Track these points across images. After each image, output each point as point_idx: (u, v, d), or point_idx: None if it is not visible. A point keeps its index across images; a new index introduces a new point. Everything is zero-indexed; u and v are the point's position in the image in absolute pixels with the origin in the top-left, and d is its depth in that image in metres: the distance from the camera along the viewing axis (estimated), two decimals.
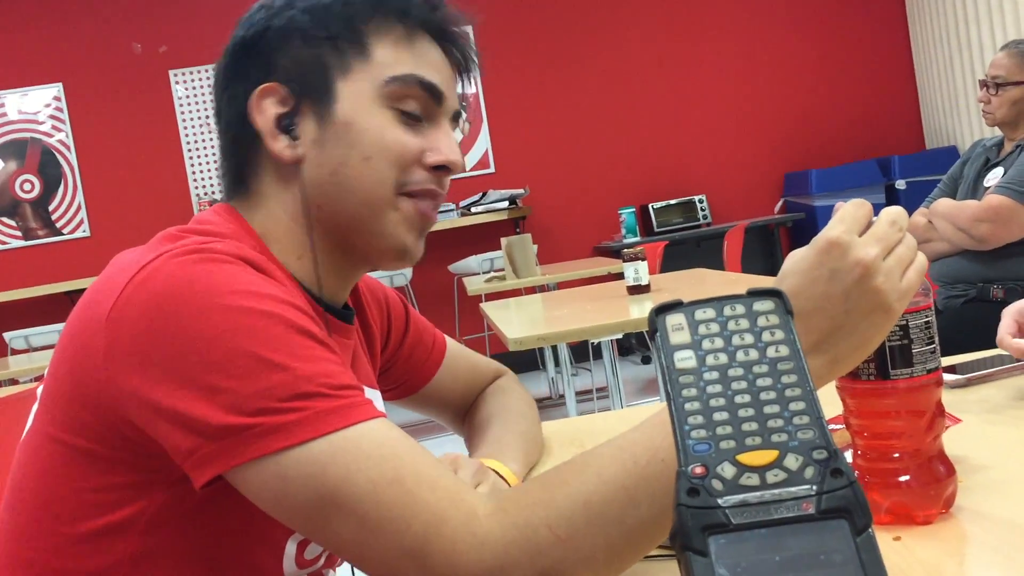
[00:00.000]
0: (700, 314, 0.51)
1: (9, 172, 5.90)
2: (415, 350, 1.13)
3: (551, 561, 0.65)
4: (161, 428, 0.70)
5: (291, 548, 0.82)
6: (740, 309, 0.51)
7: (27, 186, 5.92)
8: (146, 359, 0.70)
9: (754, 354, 0.49)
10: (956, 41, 5.95)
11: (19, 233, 5.93)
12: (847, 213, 0.69)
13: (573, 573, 0.66)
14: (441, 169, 0.88)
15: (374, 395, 0.99)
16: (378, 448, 0.69)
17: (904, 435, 0.74)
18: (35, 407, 0.80)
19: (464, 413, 1.19)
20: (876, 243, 0.68)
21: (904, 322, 0.73)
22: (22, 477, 0.79)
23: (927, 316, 0.74)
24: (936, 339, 0.75)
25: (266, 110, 0.85)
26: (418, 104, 0.87)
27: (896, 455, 0.74)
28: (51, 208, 5.95)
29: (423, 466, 0.69)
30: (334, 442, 0.68)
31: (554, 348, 4.78)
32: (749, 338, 0.50)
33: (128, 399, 0.71)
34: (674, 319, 0.51)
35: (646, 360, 5.82)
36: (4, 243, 5.91)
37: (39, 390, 0.80)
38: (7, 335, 4.82)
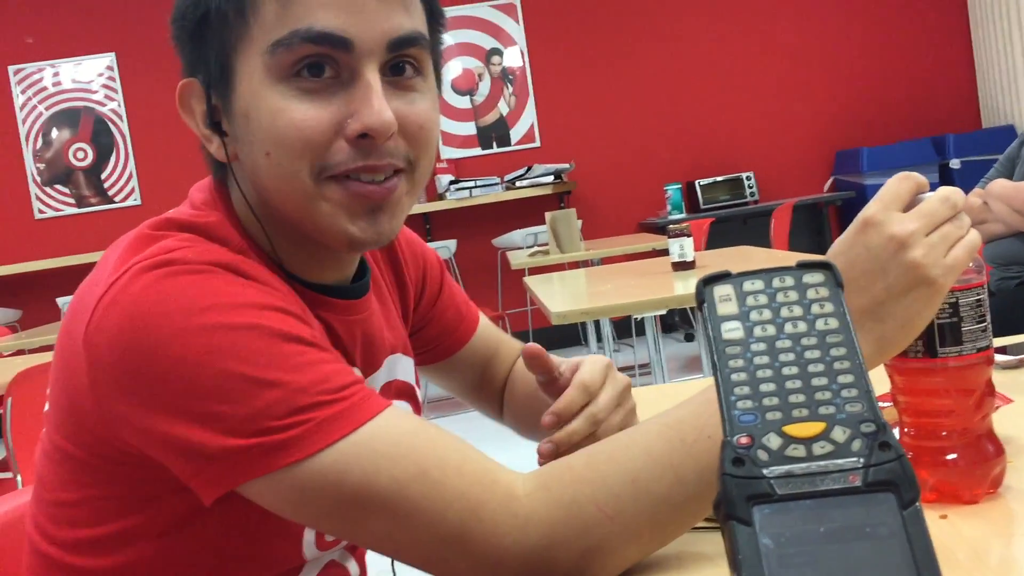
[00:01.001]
0: (748, 285, 0.51)
1: (63, 140, 6.01)
2: (447, 312, 1.06)
3: (598, 539, 0.65)
4: (159, 453, 0.68)
5: (309, 536, 0.80)
6: (789, 281, 0.50)
7: (80, 154, 6.03)
8: (130, 389, 0.67)
9: (802, 326, 0.49)
10: (1016, 15, 5.78)
11: (72, 201, 6.04)
12: (887, 190, 0.68)
13: (619, 550, 0.66)
14: (363, 138, 0.73)
15: (405, 364, 0.95)
16: (394, 445, 0.66)
17: (952, 413, 0.73)
18: (46, 407, 0.78)
19: (492, 388, 1.12)
20: (918, 219, 0.67)
21: (954, 299, 0.72)
22: (41, 475, 0.78)
23: (979, 294, 0.73)
24: (988, 317, 0.74)
25: (192, 108, 0.78)
26: (321, 63, 0.72)
27: (944, 433, 0.73)
28: (103, 176, 6.05)
29: (445, 453, 0.67)
30: (346, 448, 0.65)
31: (596, 324, 4.77)
32: (798, 310, 0.49)
33: (121, 425, 0.68)
34: (722, 290, 0.51)
35: (689, 338, 5.79)
36: (58, 210, 6.03)
37: (48, 390, 0.78)
38: (60, 300, 4.93)
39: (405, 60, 0.76)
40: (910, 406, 0.75)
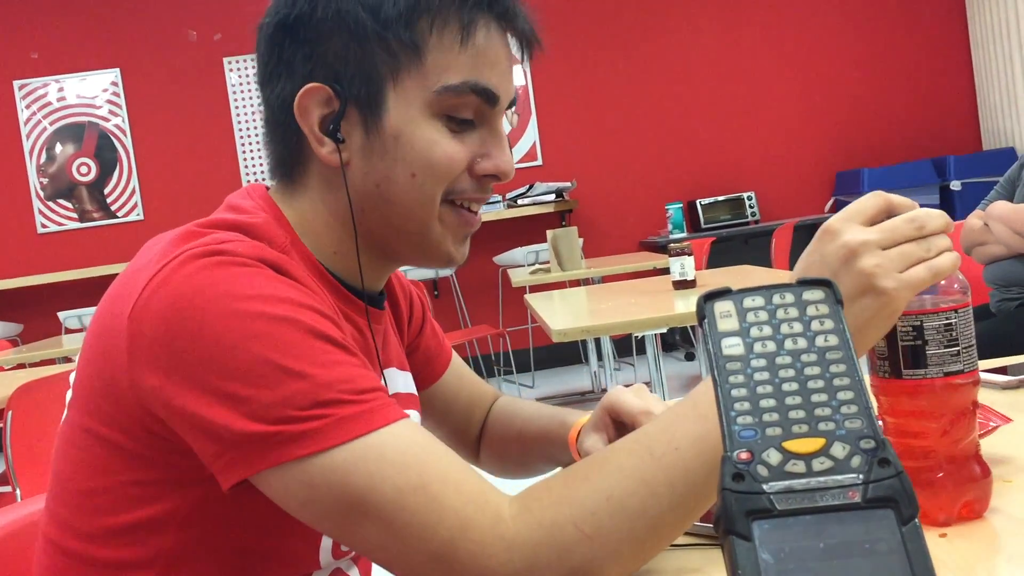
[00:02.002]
0: (749, 302, 0.51)
1: (67, 155, 6.03)
2: (431, 342, 1.12)
3: (580, 559, 0.66)
4: (186, 430, 0.70)
5: (327, 541, 0.82)
6: (789, 297, 0.51)
7: (84, 169, 6.04)
8: (167, 363, 0.70)
9: (802, 342, 0.49)
10: (1017, 38, 5.81)
11: (75, 215, 6.05)
12: (853, 204, 0.71)
13: (601, 569, 0.66)
14: (490, 176, 0.85)
15: (405, 377, 0.99)
16: (402, 454, 0.68)
17: (920, 435, 0.74)
18: (69, 394, 0.80)
19: (470, 432, 1.15)
20: (876, 232, 0.69)
21: (919, 322, 0.73)
22: (62, 468, 0.80)
23: (948, 318, 0.73)
24: (964, 341, 0.74)
25: (310, 111, 0.82)
26: (471, 110, 0.83)
27: (921, 454, 0.74)
28: (106, 191, 6.07)
29: (449, 469, 0.69)
30: (356, 449, 0.67)
31: (597, 342, 4.77)
32: (798, 326, 0.49)
33: (152, 399, 0.71)
34: (722, 306, 0.51)
35: (690, 356, 5.78)
36: (60, 224, 6.04)
37: (71, 377, 0.80)
38: (61, 314, 4.93)
39: (508, 115, 0.89)
40: (890, 426, 0.76)
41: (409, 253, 0.87)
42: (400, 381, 0.97)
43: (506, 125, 0.92)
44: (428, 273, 5.42)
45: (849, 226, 0.69)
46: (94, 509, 0.77)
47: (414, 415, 0.98)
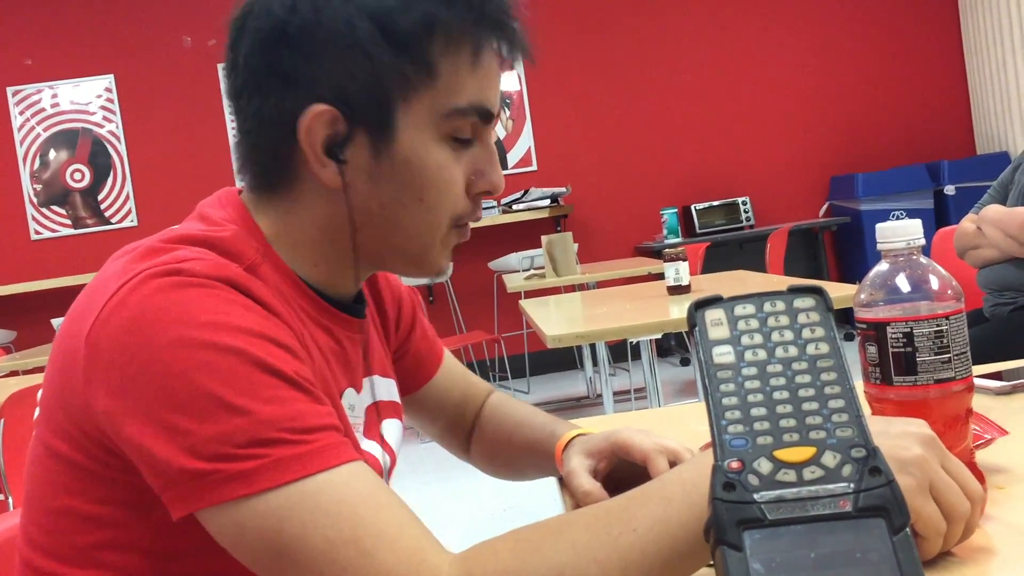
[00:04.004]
0: (740, 310, 0.51)
1: (60, 161, 6.02)
2: (422, 343, 1.10)
3: None
4: (135, 459, 0.69)
5: None
6: (780, 305, 0.51)
7: (77, 175, 6.03)
8: (119, 388, 0.68)
9: (793, 351, 0.49)
10: (1010, 43, 5.83)
11: (69, 222, 6.04)
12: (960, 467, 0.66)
13: None
14: (483, 193, 0.85)
15: (387, 384, 0.97)
16: (337, 504, 0.66)
17: None
18: (36, 411, 0.79)
19: (461, 428, 1.14)
20: (942, 473, 0.64)
21: (908, 329, 0.73)
22: (31, 487, 0.79)
23: (938, 325, 0.73)
24: (958, 349, 0.74)
25: (314, 132, 0.78)
26: (471, 129, 0.82)
27: None
28: (100, 198, 6.06)
29: (386, 524, 0.66)
30: (292, 495, 0.65)
31: (592, 347, 4.77)
32: (789, 335, 0.49)
33: (106, 423, 0.70)
34: (713, 314, 0.51)
35: (685, 362, 5.79)
36: (54, 231, 6.03)
37: (39, 394, 0.79)
38: (55, 321, 4.91)
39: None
40: None
41: (402, 267, 0.87)
42: (382, 388, 0.96)
43: (500, 131, 0.91)
44: (422, 279, 5.42)
45: (941, 449, 0.65)
46: (62, 529, 0.76)
47: (394, 424, 0.97)
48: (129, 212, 6.07)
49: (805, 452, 0.45)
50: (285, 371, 0.70)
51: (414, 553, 0.66)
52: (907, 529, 0.41)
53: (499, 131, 6.19)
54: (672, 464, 0.89)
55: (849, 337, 5.42)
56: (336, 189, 0.80)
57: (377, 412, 0.94)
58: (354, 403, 0.88)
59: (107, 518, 0.74)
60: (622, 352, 5.76)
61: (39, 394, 0.79)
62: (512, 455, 1.10)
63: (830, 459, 0.44)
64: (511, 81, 6.18)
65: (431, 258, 0.85)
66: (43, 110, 6.00)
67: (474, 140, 0.83)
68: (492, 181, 0.84)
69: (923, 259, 0.78)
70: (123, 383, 0.68)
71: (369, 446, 0.90)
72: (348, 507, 0.66)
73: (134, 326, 0.68)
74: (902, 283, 0.77)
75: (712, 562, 0.43)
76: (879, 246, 0.78)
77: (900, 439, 0.63)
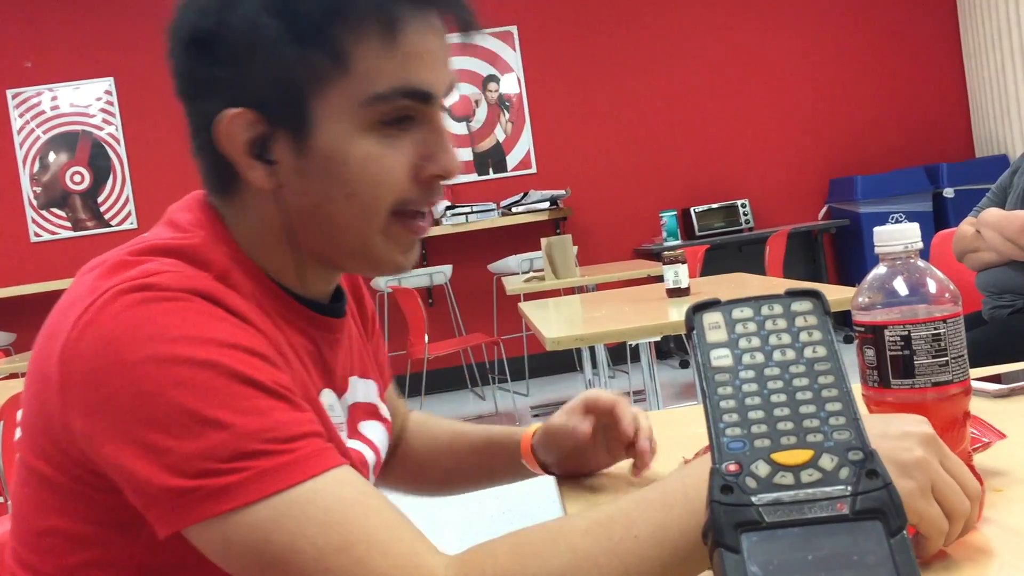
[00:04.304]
0: (737, 313, 0.51)
1: (60, 164, 6.02)
2: (380, 354, 1.07)
3: None
4: (117, 479, 0.68)
5: None
6: (778, 309, 0.51)
7: (77, 178, 6.04)
8: (95, 409, 0.67)
9: (791, 354, 0.49)
10: (1008, 47, 5.84)
11: (68, 224, 6.04)
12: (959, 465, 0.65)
13: None
14: (436, 178, 0.80)
15: (367, 385, 0.95)
16: (326, 512, 0.65)
17: None
18: (18, 432, 0.78)
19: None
20: (944, 474, 0.63)
21: (906, 332, 0.73)
22: (17, 507, 0.78)
23: (936, 328, 0.73)
24: (955, 352, 0.74)
25: (235, 136, 0.76)
26: (406, 111, 0.77)
27: None
28: (100, 200, 6.06)
29: (376, 529, 0.65)
30: (279, 505, 0.64)
31: (592, 350, 4.77)
32: (786, 338, 0.50)
33: (86, 444, 0.69)
34: (711, 317, 0.51)
35: (684, 364, 5.79)
36: (54, 233, 6.03)
37: (18, 415, 0.78)
38: None
39: (444, 105, 0.81)
40: None
41: (354, 266, 0.84)
42: (361, 390, 0.94)
43: (500, 133, 0.89)
44: (422, 281, 5.42)
45: (941, 447, 0.64)
46: (49, 549, 0.75)
47: (373, 425, 0.95)
48: (129, 214, 6.07)
49: (803, 455, 0.45)
50: (262, 380, 0.68)
51: (408, 557, 0.65)
52: (904, 531, 0.42)
53: (499, 134, 6.20)
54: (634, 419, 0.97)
55: (847, 340, 5.42)
56: (272, 190, 0.78)
57: (358, 414, 0.93)
58: (333, 404, 0.87)
59: (94, 537, 0.73)
60: (621, 354, 5.76)
61: (19, 415, 0.77)
62: (452, 463, 1.10)
63: (827, 462, 0.44)
64: (511, 84, 6.19)
65: (376, 253, 0.81)
66: (43, 112, 6.00)
67: (417, 122, 0.78)
68: (443, 165, 0.79)
69: (921, 262, 0.78)
70: (99, 404, 0.67)
71: (354, 445, 0.89)
72: (336, 514, 0.65)
73: (106, 345, 0.67)
74: (900, 286, 0.77)
75: (710, 562, 0.43)
76: (877, 249, 0.79)
77: (900, 440, 0.63)
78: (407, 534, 0.67)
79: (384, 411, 0.98)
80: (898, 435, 0.63)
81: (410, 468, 1.13)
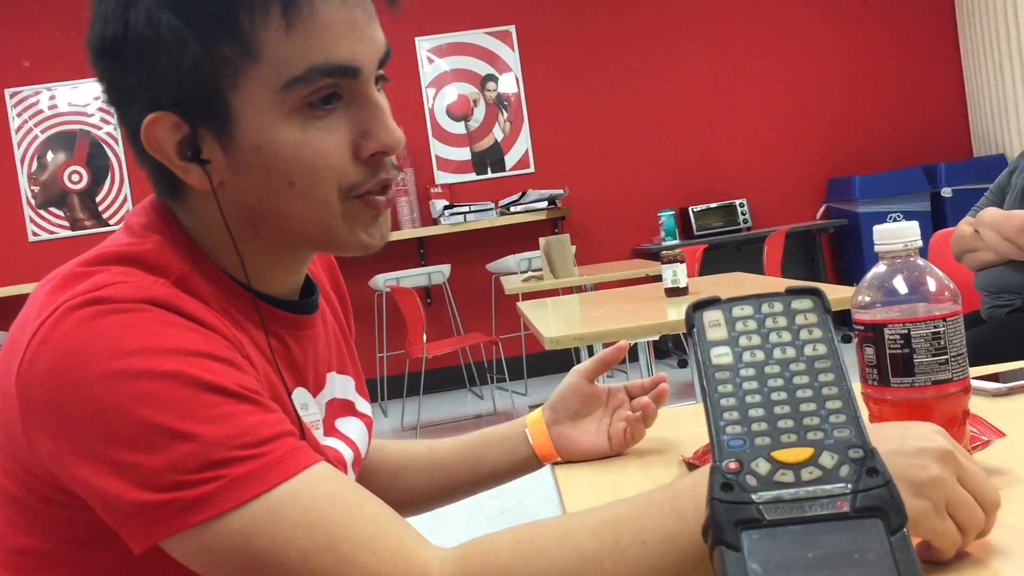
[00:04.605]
0: (738, 311, 0.51)
1: (58, 163, 6.02)
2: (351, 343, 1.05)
3: None
4: (87, 497, 0.67)
5: None
6: (778, 307, 0.51)
7: (75, 177, 6.03)
8: (57, 430, 0.66)
9: (791, 352, 0.49)
10: (1007, 46, 5.84)
11: (67, 223, 6.04)
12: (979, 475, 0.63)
13: None
14: (379, 155, 0.76)
15: (343, 381, 0.94)
16: (305, 512, 0.63)
17: None
18: None
19: None
20: (961, 491, 0.61)
21: (906, 331, 0.73)
22: None
23: (936, 326, 0.74)
24: (955, 350, 0.74)
25: (162, 141, 0.74)
26: (330, 89, 0.73)
27: None
28: (98, 199, 6.05)
29: (360, 525, 0.64)
30: (256, 511, 0.63)
31: (590, 349, 4.77)
32: (786, 336, 0.50)
33: (52, 464, 0.68)
34: (711, 315, 0.51)
35: (682, 364, 5.79)
36: (52, 232, 6.03)
37: None
38: None
39: (380, 76, 0.78)
40: None
41: (320, 251, 0.82)
42: (339, 386, 0.92)
43: (499, 133, 0.87)
44: (420, 281, 5.42)
45: (963, 461, 0.62)
46: (28, 568, 0.74)
47: (351, 422, 0.93)
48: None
49: (803, 453, 0.45)
50: (227, 386, 0.67)
51: (397, 552, 0.63)
52: (904, 529, 0.42)
53: (497, 133, 6.20)
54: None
55: (847, 339, 5.42)
56: (215, 189, 0.75)
57: (335, 410, 0.91)
58: (307, 402, 0.85)
59: (71, 556, 0.73)
60: None
61: None
62: (428, 479, 1.07)
63: (828, 460, 0.44)
64: (509, 83, 6.18)
65: (341, 237, 0.77)
66: (41, 112, 6.00)
67: (347, 100, 0.75)
68: (382, 140, 0.75)
69: (920, 261, 0.78)
70: (61, 425, 0.66)
71: (331, 442, 0.88)
72: (317, 513, 0.64)
73: (62, 365, 0.66)
74: (899, 285, 0.77)
75: (710, 560, 0.43)
76: (876, 248, 0.79)
77: (915, 458, 0.60)
78: (394, 527, 0.65)
79: (361, 407, 0.96)
80: (913, 452, 0.61)
81: (399, 492, 1.07)
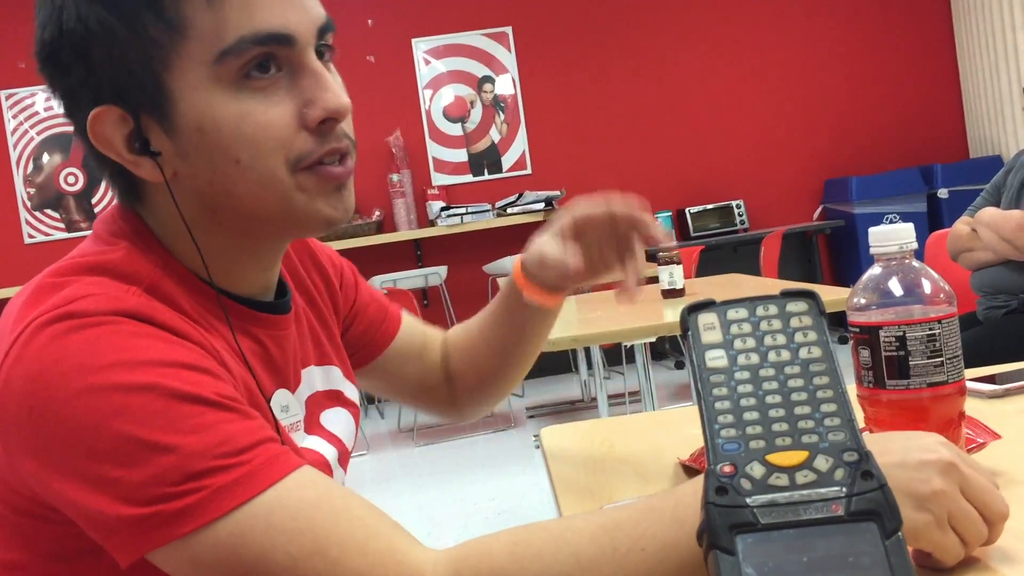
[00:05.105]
0: (732, 314, 0.51)
1: (54, 165, 6.01)
2: (370, 307, 1.06)
3: None
4: (71, 514, 0.67)
5: None
6: (773, 309, 0.51)
7: (71, 179, 6.02)
8: (36, 449, 0.65)
9: (786, 354, 0.49)
10: (1002, 48, 5.85)
11: (62, 225, 6.02)
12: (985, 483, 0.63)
13: None
14: (327, 122, 0.75)
15: (326, 372, 0.93)
16: (292, 518, 0.63)
17: None
18: None
19: (434, 377, 1.12)
20: (965, 503, 0.61)
21: (901, 333, 0.73)
22: None
23: (931, 328, 0.74)
24: (950, 352, 0.74)
25: (110, 136, 0.74)
26: (267, 62, 0.72)
27: None
28: (94, 201, 6.04)
29: (348, 529, 0.64)
30: (241, 520, 0.62)
31: (587, 351, 4.77)
32: (781, 338, 0.50)
33: (34, 482, 0.67)
34: (706, 318, 0.51)
35: (679, 365, 5.79)
36: (48, 235, 6.02)
37: None
38: None
39: (324, 46, 0.77)
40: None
41: (284, 232, 0.80)
42: (318, 378, 0.91)
43: (495, 134, 0.87)
44: (417, 283, 5.42)
45: (967, 471, 0.62)
46: None
47: (336, 413, 0.93)
48: None
49: (798, 456, 0.45)
50: (205, 395, 0.66)
51: (388, 554, 0.63)
52: (899, 533, 0.42)
53: (493, 135, 6.20)
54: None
55: (842, 341, 5.43)
56: (169, 182, 0.75)
57: (318, 404, 0.90)
58: (288, 403, 0.85)
59: (59, 570, 0.72)
60: (616, 355, 5.76)
61: None
62: (495, 347, 1.09)
63: (822, 463, 0.44)
64: (506, 85, 6.18)
65: (300, 212, 0.76)
66: (36, 114, 5.99)
67: (287, 69, 0.74)
68: (325, 106, 0.74)
69: (916, 263, 0.78)
70: (40, 443, 0.65)
71: (312, 443, 0.87)
72: (303, 519, 0.63)
73: (37, 383, 0.65)
74: (895, 287, 0.77)
75: (705, 564, 0.43)
76: (872, 250, 0.79)
77: (918, 471, 0.60)
78: (384, 529, 0.65)
79: (349, 393, 0.96)
80: (916, 465, 0.60)
81: (471, 380, 1.11)
